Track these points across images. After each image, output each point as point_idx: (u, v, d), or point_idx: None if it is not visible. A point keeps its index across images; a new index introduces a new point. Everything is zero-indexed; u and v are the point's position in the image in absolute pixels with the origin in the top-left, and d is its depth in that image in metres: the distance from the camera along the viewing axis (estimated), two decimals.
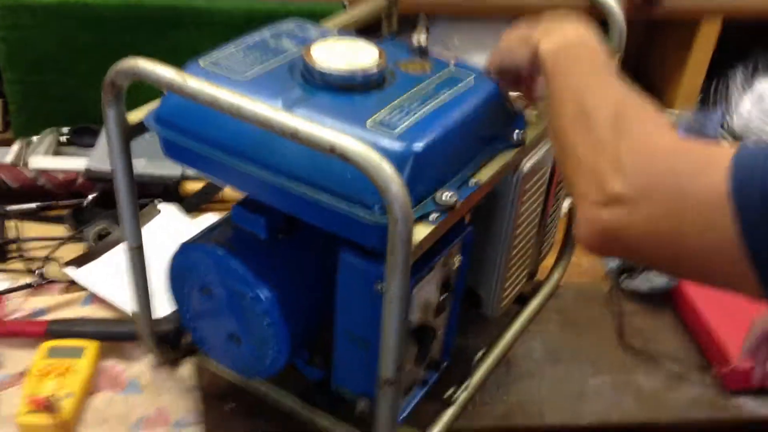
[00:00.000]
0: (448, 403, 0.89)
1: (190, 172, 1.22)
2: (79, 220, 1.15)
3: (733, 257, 0.49)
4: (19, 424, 0.85)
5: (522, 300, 1.03)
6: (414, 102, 0.70)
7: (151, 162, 1.17)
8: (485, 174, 0.71)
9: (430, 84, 0.73)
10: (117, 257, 1.07)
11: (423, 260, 0.70)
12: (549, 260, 1.04)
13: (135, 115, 0.75)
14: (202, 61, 0.76)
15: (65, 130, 1.31)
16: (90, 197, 1.17)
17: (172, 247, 0.82)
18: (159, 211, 1.14)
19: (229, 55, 0.76)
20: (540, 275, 1.03)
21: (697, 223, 0.50)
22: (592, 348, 1.02)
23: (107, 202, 1.18)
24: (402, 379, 0.71)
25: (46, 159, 1.23)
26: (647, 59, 1.63)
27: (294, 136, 0.60)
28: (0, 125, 1.40)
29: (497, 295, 0.90)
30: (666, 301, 1.08)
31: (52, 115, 1.34)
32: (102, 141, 1.23)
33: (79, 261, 1.06)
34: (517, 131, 0.75)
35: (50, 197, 1.19)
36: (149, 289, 0.86)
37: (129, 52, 1.35)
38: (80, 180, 1.19)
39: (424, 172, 0.66)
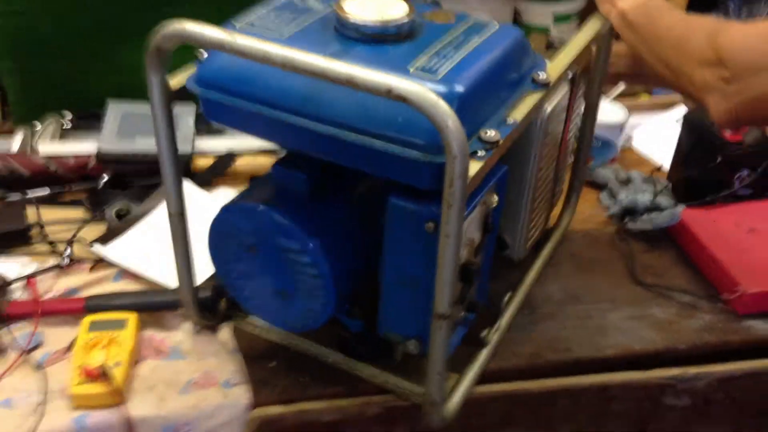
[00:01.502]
0: (482, 344, 0.94)
1: (202, 147, 1.24)
2: (95, 202, 1.16)
3: None
4: (73, 394, 0.86)
5: (536, 246, 1.08)
6: (448, 48, 0.74)
7: None
8: (519, 113, 0.76)
9: (458, 31, 0.77)
10: (142, 232, 1.09)
11: (468, 199, 0.74)
12: (555, 209, 1.09)
13: (176, 80, 0.78)
14: (237, 23, 0.78)
15: (68, 116, 1.31)
16: (104, 179, 1.19)
17: (195, 218, 0.85)
18: None
19: (261, 17, 0.79)
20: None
21: None
22: (606, 287, 1.07)
23: (121, 182, 1.20)
24: (453, 317, 0.75)
25: (55, 145, 1.24)
26: None
27: (350, 82, 0.64)
28: None
29: (522, 237, 0.94)
30: (669, 237, 1.14)
31: (52, 102, 1.34)
32: (109, 123, 1.24)
33: (105, 239, 1.08)
34: (541, 73, 0.79)
35: (63, 182, 1.20)
36: (190, 255, 0.89)
37: (127, 32, 1.37)
38: (92, 163, 1.20)
39: (468, 112, 0.69)
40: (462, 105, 0.69)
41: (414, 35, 0.76)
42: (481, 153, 0.69)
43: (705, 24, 0.81)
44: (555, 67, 0.82)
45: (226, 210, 0.84)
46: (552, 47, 0.85)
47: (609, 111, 1.30)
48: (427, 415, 0.83)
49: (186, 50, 0.73)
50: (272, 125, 0.74)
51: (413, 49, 0.74)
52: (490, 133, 0.70)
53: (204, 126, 1.28)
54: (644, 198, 1.17)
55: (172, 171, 0.82)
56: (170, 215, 0.85)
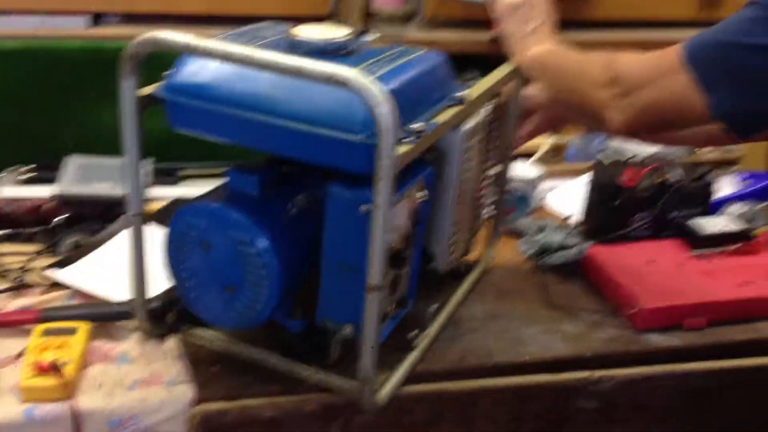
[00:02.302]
0: (411, 347, 1.03)
1: (153, 193, 1.34)
2: (49, 238, 1.23)
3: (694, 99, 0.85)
4: (24, 386, 0.91)
5: (460, 276, 1.20)
6: (382, 62, 0.89)
7: (116, 185, 1.29)
8: (441, 118, 0.90)
9: (391, 52, 0.92)
10: (94, 260, 1.17)
11: (398, 186, 0.86)
12: (477, 250, 1.22)
13: (146, 90, 0.89)
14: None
15: (25, 168, 1.40)
16: (58, 219, 1.26)
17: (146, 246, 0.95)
18: None
19: (221, 39, 0.92)
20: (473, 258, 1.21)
21: (672, 86, 0.86)
22: (523, 309, 1.19)
23: (75, 223, 1.27)
24: (383, 289, 0.85)
25: (12, 188, 1.32)
26: None
27: (299, 71, 0.77)
28: None
29: (446, 250, 1.06)
30: (578, 271, 1.28)
31: (10, 156, 1.42)
32: (69, 168, 1.33)
33: (59, 265, 1.14)
34: (460, 93, 0.94)
35: (18, 225, 1.26)
36: (144, 261, 0.97)
37: (89, 90, 1.49)
38: (47, 205, 1.28)
39: (397, 108, 0.83)
40: (392, 100, 0.82)
41: (353, 53, 0.91)
42: (408, 140, 0.82)
43: (599, 56, 0.99)
44: (472, 91, 0.98)
45: (183, 210, 0.93)
46: (473, 79, 1.01)
47: (526, 169, 1.46)
48: (360, 396, 0.90)
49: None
50: (231, 123, 0.86)
51: (352, 62, 0.88)
52: (416, 125, 0.84)
53: (158, 178, 1.39)
54: (557, 238, 1.31)
55: (135, 174, 0.91)
56: (130, 217, 0.94)
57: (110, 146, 1.41)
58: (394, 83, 0.85)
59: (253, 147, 0.90)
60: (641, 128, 0.95)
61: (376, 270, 0.82)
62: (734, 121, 0.85)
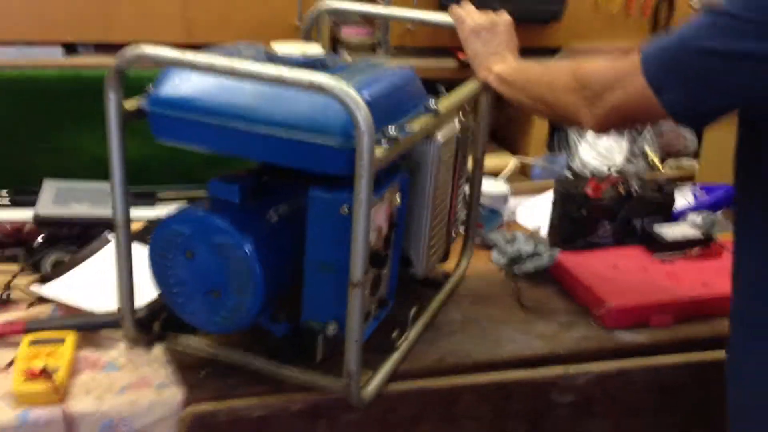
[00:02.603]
0: (392, 348, 1.06)
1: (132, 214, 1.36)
2: (30, 257, 1.25)
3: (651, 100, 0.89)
4: (17, 391, 0.93)
5: (437, 286, 1.24)
6: (355, 74, 0.94)
7: (95, 206, 1.32)
8: (415, 125, 0.95)
9: (364, 67, 0.98)
10: (77, 275, 1.19)
11: (375, 189, 0.90)
12: (452, 261, 1.27)
13: (130, 103, 0.93)
14: None
15: (4, 192, 1.42)
16: (39, 239, 1.28)
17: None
18: (110, 240, 1.27)
19: (203, 55, 0.97)
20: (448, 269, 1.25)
21: (632, 89, 0.91)
22: (499, 313, 1.23)
23: (55, 242, 1.29)
24: (366, 285, 0.89)
25: None
26: (499, 119, 1.97)
27: (279, 79, 0.82)
28: None
29: (424, 255, 1.10)
30: (549, 277, 1.33)
31: None
32: (46, 191, 1.36)
33: (42, 280, 1.16)
34: (432, 102, 1.00)
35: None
36: (131, 269, 1.00)
37: (67, 117, 1.52)
38: (27, 227, 1.30)
39: (372, 115, 0.88)
40: (368, 106, 0.87)
41: (328, 67, 0.95)
42: (384, 143, 0.87)
43: (563, 64, 1.05)
44: (443, 102, 1.03)
45: (167, 220, 0.97)
46: (442, 94, 1.06)
47: (495, 185, 1.52)
48: (346, 392, 0.94)
49: None
50: (214, 133, 0.90)
51: (329, 74, 0.92)
52: (392, 131, 0.89)
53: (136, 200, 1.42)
54: (527, 248, 1.36)
55: (121, 185, 0.95)
56: (116, 227, 0.97)
57: (86, 171, 1.45)
58: (369, 90, 0.90)
59: (237, 155, 0.94)
60: (612, 126, 1.02)
61: (358, 266, 0.86)
62: (686, 118, 0.92)
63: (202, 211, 0.95)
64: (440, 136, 1.04)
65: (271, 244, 0.96)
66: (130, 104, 0.93)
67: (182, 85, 0.91)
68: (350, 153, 0.83)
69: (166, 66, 0.88)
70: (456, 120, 1.12)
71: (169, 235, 0.96)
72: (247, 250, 0.93)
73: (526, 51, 1.17)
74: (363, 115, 0.80)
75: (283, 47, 0.95)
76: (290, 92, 0.87)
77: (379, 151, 0.85)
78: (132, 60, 0.88)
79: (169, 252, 0.97)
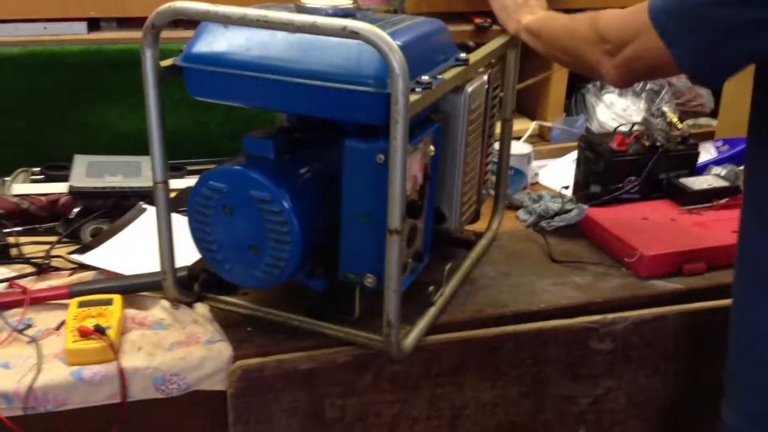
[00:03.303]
0: (429, 303, 1.07)
1: None
2: (68, 227, 1.27)
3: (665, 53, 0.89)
4: (70, 349, 0.94)
5: (469, 246, 1.25)
6: (386, 25, 0.95)
7: (127, 178, 1.34)
8: (447, 74, 0.96)
9: (394, 19, 0.99)
10: (115, 244, 1.21)
11: (410, 138, 0.91)
12: (482, 223, 1.28)
13: (166, 61, 0.94)
14: None
15: (36, 169, 1.44)
16: (75, 210, 1.30)
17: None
18: (145, 209, 1.29)
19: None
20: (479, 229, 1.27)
21: (646, 40, 0.91)
22: (532, 266, 1.24)
23: (90, 214, 1.31)
24: (404, 232, 0.90)
25: (26, 186, 1.36)
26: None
27: (313, 27, 0.82)
28: None
29: (457, 211, 1.11)
30: (578, 231, 1.34)
31: (19, 160, 1.46)
32: (77, 165, 1.37)
33: (81, 250, 1.18)
34: (462, 54, 1.01)
35: (35, 221, 1.30)
36: (170, 226, 1.01)
37: (91, 92, 1.53)
38: (62, 200, 1.32)
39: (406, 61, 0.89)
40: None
41: (359, 19, 0.96)
42: (418, 90, 0.88)
43: (582, 16, 1.05)
44: (473, 55, 1.04)
45: (205, 177, 0.98)
46: (471, 50, 1.08)
47: (518, 146, 1.52)
48: (386, 344, 0.95)
49: None
50: (248, 87, 0.91)
51: None
52: (425, 78, 0.89)
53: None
54: (554, 205, 1.37)
55: (159, 141, 0.96)
56: (155, 184, 0.98)
57: (109, 147, 1.47)
58: (402, 38, 0.91)
59: (271, 108, 0.95)
60: (633, 79, 1.02)
61: (395, 213, 0.87)
62: (697, 71, 0.91)
63: (238, 166, 0.96)
64: (470, 88, 1.05)
65: (306, 199, 0.97)
66: (166, 62, 0.95)
67: (216, 40, 0.92)
68: (385, 99, 0.84)
69: (199, 22, 0.89)
70: (485, 75, 1.13)
71: (207, 192, 0.97)
72: (285, 204, 0.94)
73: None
74: (397, 59, 0.81)
75: (313, 2, 0.96)
76: (323, 42, 0.88)
77: (414, 97, 0.86)
78: (167, 15, 0.89)
79: (207, 208, 0.98)
